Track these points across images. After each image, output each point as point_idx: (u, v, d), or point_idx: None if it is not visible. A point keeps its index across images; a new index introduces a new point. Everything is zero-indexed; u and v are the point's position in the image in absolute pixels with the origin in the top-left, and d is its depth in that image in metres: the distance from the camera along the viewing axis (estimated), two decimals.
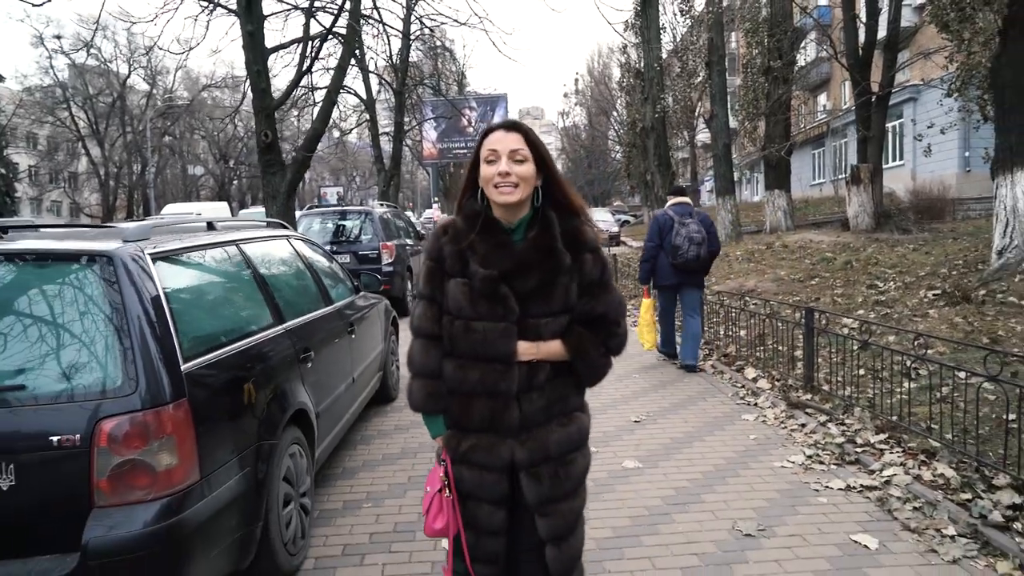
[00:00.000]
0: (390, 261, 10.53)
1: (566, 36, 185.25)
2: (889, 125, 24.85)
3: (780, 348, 6.48)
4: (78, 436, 2.15)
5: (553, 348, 1.96)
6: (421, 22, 17.64)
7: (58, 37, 38.18)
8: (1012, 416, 3.93)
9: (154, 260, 2.56)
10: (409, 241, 12.04)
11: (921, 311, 7.33)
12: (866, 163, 15.21)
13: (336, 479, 4.28)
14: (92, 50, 41.84)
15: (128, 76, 44.42)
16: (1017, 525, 3.26)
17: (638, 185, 22.43)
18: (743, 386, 6.14)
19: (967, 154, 21.88)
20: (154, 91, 45.16)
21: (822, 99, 33.79)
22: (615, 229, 27.46)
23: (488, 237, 1.93)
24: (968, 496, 3.58)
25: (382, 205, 12.53)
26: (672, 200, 6.93)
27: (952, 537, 3.26)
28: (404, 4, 17.03)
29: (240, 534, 2.62)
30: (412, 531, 3.50)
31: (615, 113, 46.11)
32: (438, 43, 22.18)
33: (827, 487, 3.94)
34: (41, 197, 51.43)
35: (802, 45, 20.82)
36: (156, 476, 2.22)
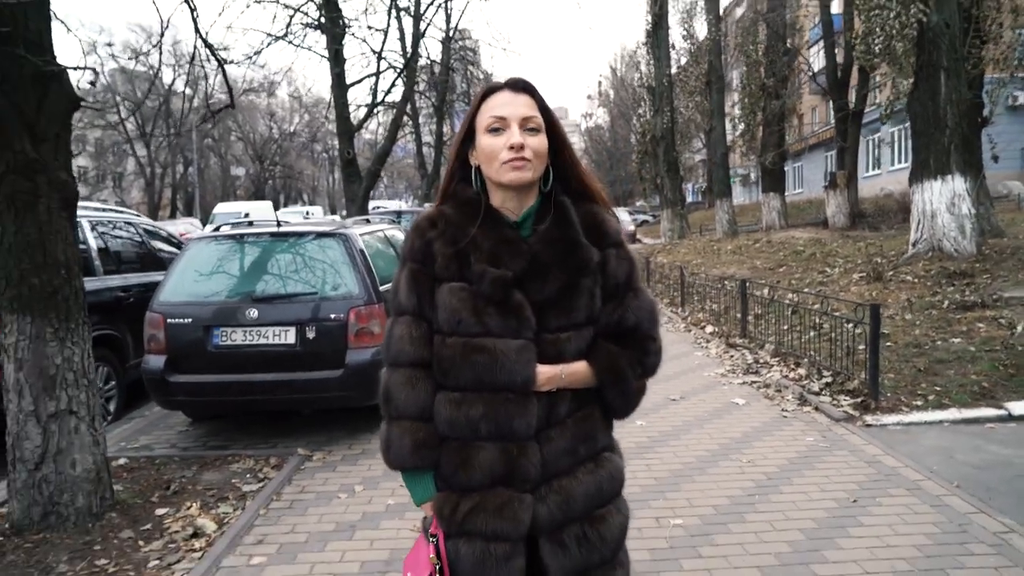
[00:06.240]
0: None
1: (591, 37, 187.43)
2: (894, 129, 26.85)
3: (737, 315, 8.93)
4: (342, 315, 4.70)
5: (578, 371, 1.55)
6: (458, 51, 20.37)
7: (109, 44, 41.11)
8: (862, 346, 6.35)
9: (360, 236, 5.13)
10: None
11: (847, 288, 9.72)
12: (843, 170, 17.53)
13: None
14: (140, 57, 45.28)
15: (173, 83, 47.63)
16: (824, 392, 5.72)
17: (650, 188, 24.88)
18: (702, 337, 8.61)
19: None
20: (195, 95, 48.28)
21: None
22: (631, 228, 29.90)
23: (491, 231, 1.54)
24: (807, 383, 6.04)
25: (429, 206, 15.26)
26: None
27: (788, 400, 5.73)
28: (444, 41, 19.80)
29: None
30: None
31: (635, 117, 48.46)
32: (468, 57, 24.83)
33: (731, 383, 6.42)
34: (91, 196, 55.02)
35: (807, 58, 23.04)
36: (374, 336, 4.77)
